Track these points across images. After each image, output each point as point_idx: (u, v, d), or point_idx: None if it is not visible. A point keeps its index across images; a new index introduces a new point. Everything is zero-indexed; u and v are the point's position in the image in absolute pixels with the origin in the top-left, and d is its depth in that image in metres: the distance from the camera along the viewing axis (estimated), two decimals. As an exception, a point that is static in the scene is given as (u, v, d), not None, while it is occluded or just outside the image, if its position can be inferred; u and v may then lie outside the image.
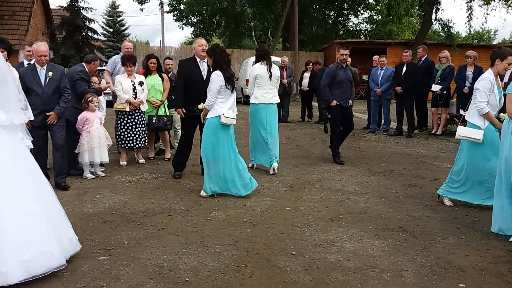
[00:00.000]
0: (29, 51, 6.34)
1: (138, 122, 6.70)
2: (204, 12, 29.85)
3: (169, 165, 6.44)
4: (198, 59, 5.80)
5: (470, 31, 23.63)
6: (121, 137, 6.66)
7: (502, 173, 3.98)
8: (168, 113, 7.12)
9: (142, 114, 6.76)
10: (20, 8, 19.29)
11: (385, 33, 29.26)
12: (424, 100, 10.13)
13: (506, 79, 8.06)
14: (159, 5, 30.60)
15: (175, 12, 30.42)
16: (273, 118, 6.32)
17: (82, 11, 23.05)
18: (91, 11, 23.03)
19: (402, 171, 6.57)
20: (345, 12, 31.06)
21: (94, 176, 5.98)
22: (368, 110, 10.87)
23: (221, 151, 5.00)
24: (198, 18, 30.93)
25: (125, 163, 6.78)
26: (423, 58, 9.90)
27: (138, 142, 6.71)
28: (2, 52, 4.99)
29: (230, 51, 24.71)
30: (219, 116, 4.95)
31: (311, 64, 12.58)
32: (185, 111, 5.73)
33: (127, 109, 6.57)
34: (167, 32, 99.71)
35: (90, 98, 5.99)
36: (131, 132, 6.66)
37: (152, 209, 4.67)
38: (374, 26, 31.05)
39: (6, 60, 5.05)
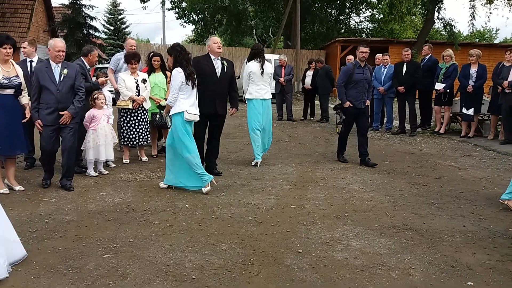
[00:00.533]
0: (24, 47, 6.34)
1: (141, 120, 6.68)
2: (205, 10, 29.82)
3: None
4: (212, 57, 5.83)
5: (473, 30, 23.53)
6: (124, 134, 6.65)
7: None
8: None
9: (145, 112, 6.74)
10: (21, 6, 19.27)
11: (387, 32, 29.21)
12: (427, 98, 10.10)
13: (510, 78, 8.04)
14: (160, 3, 30.61)
15: (177, 9, 30.38)
16: (266, 113, 6.67)
17: (83, 9, 23.12)
18: (92, 9, 23.28)
19: (406, 169, 6.54)
20: (347, 10, 31.00)
21: (97, 174, 5.96)
22: (370, 109, 10.82)
23: (188, 144, 5.11)
24: (199, 16, 30.90)
25: (128, 160, 6.76)
26: (427, 57, 9.86)
27: (141, 140, 6.70)
28: (10, 48, 4.97)
29: (232, 49, 24.81)
30: (183, 112, 5.06)
31: (314, 62, 12.55)
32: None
33: (130, 107, 6.55)
34: (168, 30, 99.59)
35: (97, 95, 5.96)
36: (134, 130, 6.65)
37: (156, 207, 4.65)
38: (376, 24, 30.98)
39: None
